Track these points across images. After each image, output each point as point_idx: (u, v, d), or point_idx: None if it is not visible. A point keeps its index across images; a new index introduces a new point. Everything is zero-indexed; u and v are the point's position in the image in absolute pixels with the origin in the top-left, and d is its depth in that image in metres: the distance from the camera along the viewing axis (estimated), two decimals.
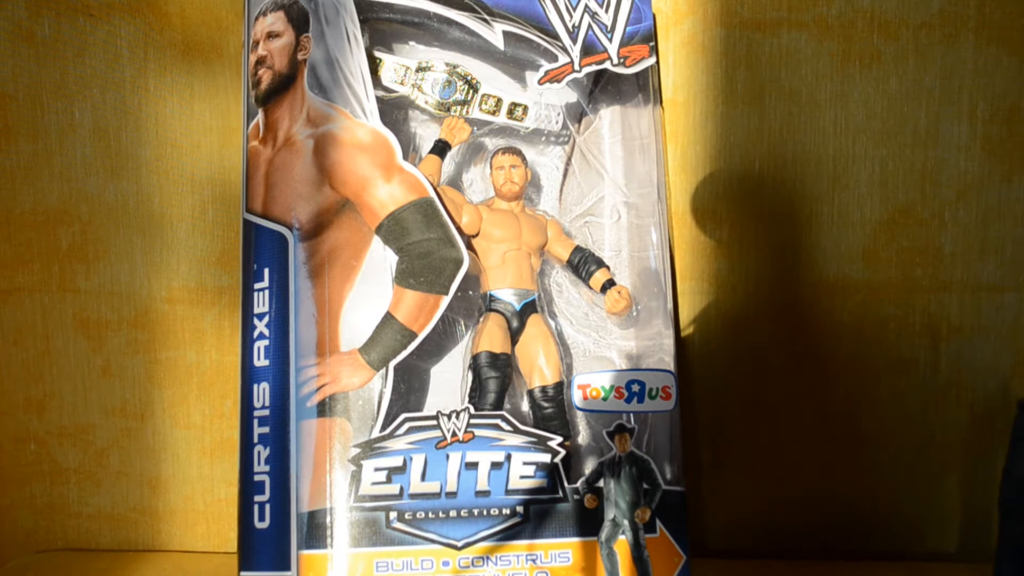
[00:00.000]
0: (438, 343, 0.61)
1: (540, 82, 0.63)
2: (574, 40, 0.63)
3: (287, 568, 0.55)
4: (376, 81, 0.61)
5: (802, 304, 0.69)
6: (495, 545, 0.56)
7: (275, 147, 0.59)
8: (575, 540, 0.57)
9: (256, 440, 0.57)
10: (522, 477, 0.57)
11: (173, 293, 0.70)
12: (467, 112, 0.63)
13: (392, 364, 0.57)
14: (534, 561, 0.56)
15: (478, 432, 0.57)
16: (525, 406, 0.61)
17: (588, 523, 0.57)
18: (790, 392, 0.70)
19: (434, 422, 0.57)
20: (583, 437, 0.62)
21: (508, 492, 0.57)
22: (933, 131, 0.68)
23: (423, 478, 0.56)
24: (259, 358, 0.57)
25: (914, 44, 0.68)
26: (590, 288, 0.63)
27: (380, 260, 0.58)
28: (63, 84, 0.68)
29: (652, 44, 0.64)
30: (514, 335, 0.61)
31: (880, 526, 0.70)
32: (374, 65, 0.61)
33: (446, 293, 0.57)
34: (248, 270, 0.59)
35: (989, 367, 0.69)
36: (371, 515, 0.55)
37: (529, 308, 0.62)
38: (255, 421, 0.57)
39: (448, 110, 0.63)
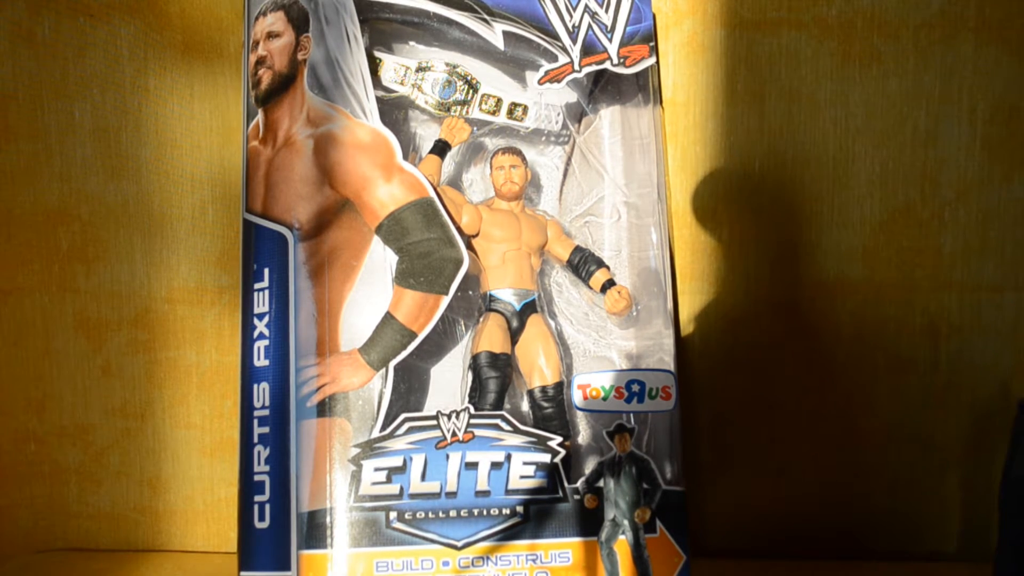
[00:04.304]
0: (438, 343, 0.61)
1: (540, 82, 0.63)
2: (574, 40, 0.63)
3: (287, 568, 0.55)
4: (376, 81, 0.61)
5: (802, 304, 0.69)
6: (495, 545, 0.56)
7: (275, 147, 0.59)
8: (575, 540, 0.57)
9: (256, 440, 0.57)
10: (522, 477, 0.57)
11: (173, 293, 0.70)
12: (467, 112, 0.63)
13: (392, 364, 0.57)
14: (534, 561, 0.56)
15: (478, 432, 0.57)
16: (525, 406, 0.61)
17: (588, 523, 0.57)
18: (790, 392, 0.70)
19: (434, 422, 0.57)
20: (583, 437, 0.62)
21: (508, 492, 0.57)
22: (933, 131, 0.68)
23: (423, 478, 0.56)
24: (259, 358, 0.57)
25: (914, 44, 0.68)
26: (590, 288, 0.63)
27: (380, 260, 0.58)
28: (63, 84, 0.68)
29: (652, 44, 0.64)
30: (514, 335, 0.61)
31: (880, 526, 0.70)
32: (374, 65, 0.61)
33: (446, 293, 0.57)
34: (248, 270, 0.59)
35: (989, 367, 0.69)
36: (371, 515, 0.55)
37: (529, 308, 0.62)
38: (255, 421, 0.57)
39: (448, 110, 0.63)
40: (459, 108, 0.63)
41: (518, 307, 0.61)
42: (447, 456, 0.56)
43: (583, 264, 0.63)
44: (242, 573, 0.56)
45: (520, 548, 0.56)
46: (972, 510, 0.69)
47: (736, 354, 0.70)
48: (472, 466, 0.57)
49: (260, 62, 0.60)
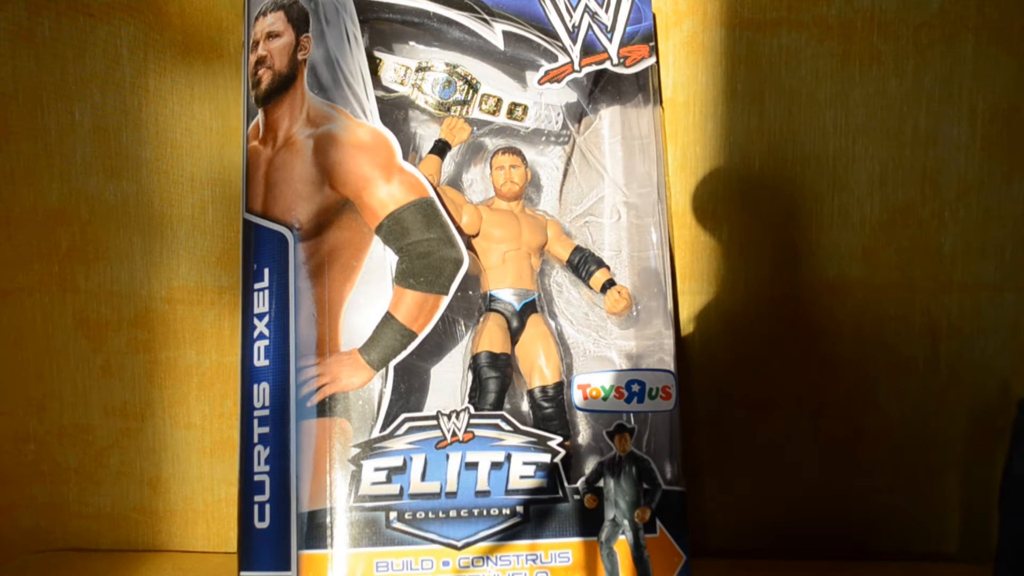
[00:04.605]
0: (438, 343, 0.61)
1: (540, 82, 0.63)
2: (574, 40, 0.63)
3: (287, 568, 0.55)
4: (376, 81, 0.61)
5: (802, 304, 0.69)
6: (495, 545, 0.56)
7: (275, 147, 0.59)
8: (575, 540, 0.57)
9: (256, 440, 0.57)
10: (522, 477, 0.57)
11: (173, 293, 0.70)
12: (467, 112, 0.63)
13: (392, 364, 0.57)
14: (534, 561, 0.56)
15: (478, 432, 0.57)
16: (525, 406, 0.61)
17: (588, 523, 0.57)
18: (790, 392, 0.70)
19: (434, 422, 0.57)
20: (583, 437, 0.62)
21: (508, 492, 0.57)
22: (933, 131, 0.68)
23: (423, 478, 0.56)
24: (259, 358, 0.57)
25: (914, 44, 0.68)
26: (590, 288, 0.63)
27: (380, 260, 0.58)
28: (63, 84, 0.68)
29: (652, 44, 0.64)
30: (514, 335, 0.61)
31: (880, 526, 0.70)
32: (374, 65, 0.61)
33: (446, 293, 0.57)
34: (248, 270, 0.59)
35: (989, 367, 0.69)
36: (371, 515, 0.55)
37: (529, 308, 0.62)
38: (255, 421, 0.57)
39: (448, 110, 0.63)
40: (459, 108, 0.63)
41: (518, 307, 0.61)
42: (447, 456, 0.56)
43: (583, 264, 0.63)
44: (242, 573, 0.56)
45: (520, 548, 0.56)
46: (972, 510, 0.69)
47: (736, 354, 0.70)
48: (472, 466, 0.57)
49: (260, 62, 0.60)
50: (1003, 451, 0.56)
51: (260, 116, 0.60)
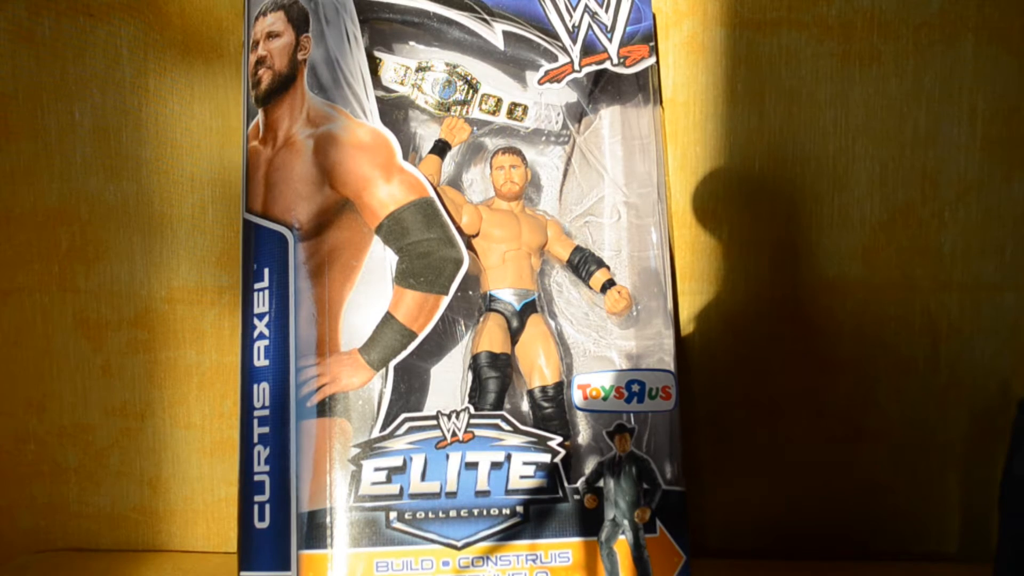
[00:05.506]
0: (438, 343, 0.61)
1: (540, 82, 0.63)
2: (574, 40, 0.63)
3: (287, 568, 0.55)
4: (376, 81, 0.61)
5: (802, 304, 0.69)
6: (495, 545, 0.56)
7: (275, 147, 0.59)
8: (575, 540, 0.57)
9: (256, 440, 0.57)
10: (522, 477, 0.57)
11: (173, 293, 0.70)
12: (467, 112, 0.63)
13: (392, 364, 0.57)
14: (534, 561, 0.56)
15: (478, 432, 0.57)
16: (525, 406, 0.61)
17: (588, 523, 0.57)
18: (790, 392, 0.70)
19: (434, 422, 0.57)
20: (583, 437, 0.62)
21: (508, 492, 0.57)
22: (933, 131, 0.68)
23: (423, 478, 0.56)
24: (259, 358, 0.57)
25: (914, 44, 0.68)
26: (590, 288, 0.63)
27: (380, 260, 0.58)
28: (63, 84, 0.68)
29: (652, 44, 0.64)
30: (514, 335, 0.61)
31: (880, 526, 0.70)
32: (374, 65, 0.61)
33: (446, 293, 0.57)
34: (248, 270, 0.59)
35: (989, 367, 0.69)
36: (371, 515, 0.55)
37: (529, 308, 0.62)
38: (255, 421, 0.57)
39: (448, 110, 0.63)
40: (459, 108, 0.63)
41: (518, 307, 0.61)
42: (447, 456, 0.56)
43: (583, 264, 0.63)
44: (242, 573, 0.56)
45: (520, 548, 0.56)
46: (972, 510, 0.69)
47: (736, 354, 0.70)
48: (472, 466, 0.57)
49: (260, 62, 0.60)
50: (1003, 451, 0.56)
51: (260, 116, 0.60)
